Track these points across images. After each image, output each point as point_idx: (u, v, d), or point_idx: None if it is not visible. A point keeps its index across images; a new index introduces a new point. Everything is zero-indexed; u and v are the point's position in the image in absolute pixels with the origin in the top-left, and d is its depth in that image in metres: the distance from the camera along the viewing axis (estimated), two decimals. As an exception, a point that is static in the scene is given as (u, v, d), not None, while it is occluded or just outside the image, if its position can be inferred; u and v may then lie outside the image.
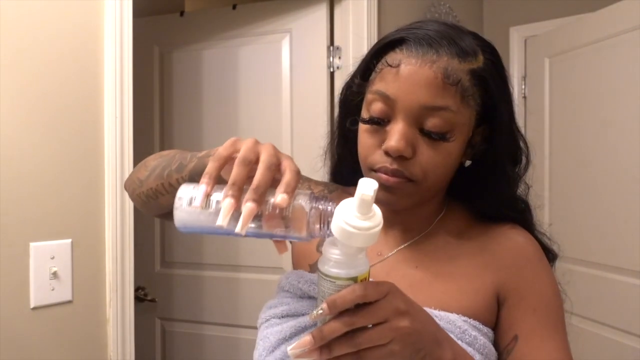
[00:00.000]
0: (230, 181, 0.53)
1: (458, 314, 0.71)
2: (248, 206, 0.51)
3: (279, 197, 0.52)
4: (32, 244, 1.22)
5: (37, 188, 1.23)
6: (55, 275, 1.26)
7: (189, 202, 0.54)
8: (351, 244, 0.52)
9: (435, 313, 0.70)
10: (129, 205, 1.37)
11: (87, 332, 1.32)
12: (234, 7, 2.05)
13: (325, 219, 0.53)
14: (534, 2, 2.50)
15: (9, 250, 1.19)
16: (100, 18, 1.32)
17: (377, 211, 0.53)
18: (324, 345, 0.53)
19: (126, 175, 1.36)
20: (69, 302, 1.29)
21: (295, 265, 0.86)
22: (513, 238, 0.76)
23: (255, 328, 0.81)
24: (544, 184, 2.35)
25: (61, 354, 1.27)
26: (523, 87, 2.52)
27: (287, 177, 0.53)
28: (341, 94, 0.81)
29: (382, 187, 0.68)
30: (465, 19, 2.48)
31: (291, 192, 0.53)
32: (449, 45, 0.67)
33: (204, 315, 2.12)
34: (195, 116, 2.11)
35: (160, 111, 2.16)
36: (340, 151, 0.84)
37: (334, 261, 0.54)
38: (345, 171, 0.85)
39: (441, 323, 0.68)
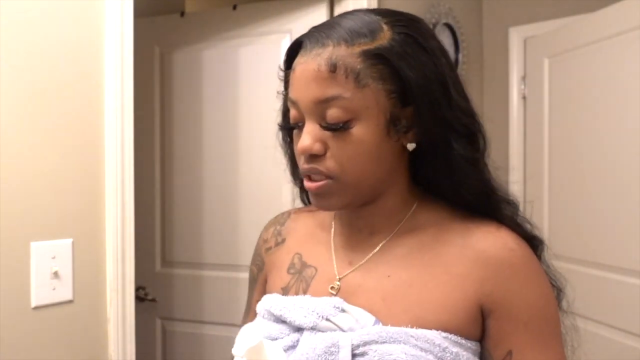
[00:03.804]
0: None
1: (437, 330, 0.65)
2: None
3: None
4: (33, 244, 1.23)
5: (38, 188, 1.23)
6: (56, 274, 1.26)
7: None
8: None
9: (411, 332, 0.65)
10: (130, 204, 1.37)
11: (88, 331, 1.33)
12: (234, 7, 2.05)
13: None
14: (534, 3, 2.49)
15: (9, 249, 1.19)
16: (101, 18, 1.33)
17: None
18: None
19: (127, 175, 1.37)
20: (70, 301, 1.29)
21: (269, 289, 0.84)
22: (497, 243, 0.69)
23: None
24: (544, 184, 2.35)
25: (62, 354, 1.27)
26: (522, 87, 2.52)
27: None
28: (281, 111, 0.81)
29: (311, 193, 0.71)
30: (465, 19, 2.48)
31: None
32: (336, 34, 0.66)
33: (205, 315, 2.12)
34: (195, 116, 2.11)
35: (161, 111, 2.17)
36: (289, 160, 0.84)
37: None
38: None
39: (419, 343, 0.64)
